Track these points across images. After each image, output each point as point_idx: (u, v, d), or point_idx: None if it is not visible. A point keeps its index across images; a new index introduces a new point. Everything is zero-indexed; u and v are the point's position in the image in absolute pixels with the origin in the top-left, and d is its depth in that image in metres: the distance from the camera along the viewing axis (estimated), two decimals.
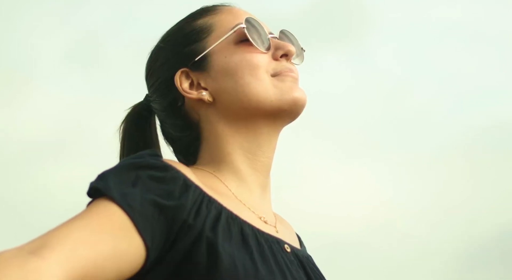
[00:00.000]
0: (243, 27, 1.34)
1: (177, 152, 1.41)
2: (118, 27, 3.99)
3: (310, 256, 1.41)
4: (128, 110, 1.44)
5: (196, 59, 1.34)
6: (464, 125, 4.22)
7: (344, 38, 4.21)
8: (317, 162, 4.00)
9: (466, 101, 4.28)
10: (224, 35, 1.34)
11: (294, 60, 1.39)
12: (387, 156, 4.17)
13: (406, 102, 4.26)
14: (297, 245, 1.39)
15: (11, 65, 4.10)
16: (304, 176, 3.92)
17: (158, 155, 1.23)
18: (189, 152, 1.37)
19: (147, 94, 1.43)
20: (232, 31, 1.34)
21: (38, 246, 1.04)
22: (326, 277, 1.37)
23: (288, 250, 1.28)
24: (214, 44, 1.34)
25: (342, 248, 3.86)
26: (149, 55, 1.43)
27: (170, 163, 1.21)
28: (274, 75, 1.34)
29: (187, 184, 1.19)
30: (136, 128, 1.42)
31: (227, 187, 1.30)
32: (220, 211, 1.20)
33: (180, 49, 1.37)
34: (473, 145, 4.15)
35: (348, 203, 4.08)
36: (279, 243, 1.27)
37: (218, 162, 1.33)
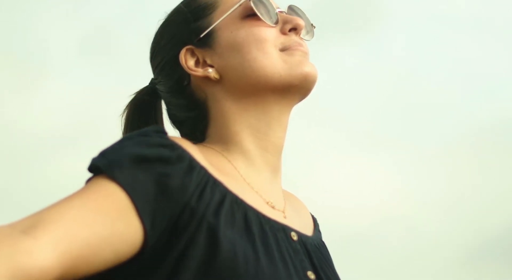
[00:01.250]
0: (249, 1, 1.29)
1: (184, 134, 1.35)
2: (131, 18, 4.00)
3: (323, 243, 1.35)
4: (133, 95, 1.39)
5: (201, 36, 1.30)
6: (473, 117, 4.20)
7: (354, 30, 4.20)
8: (324, 153, 4.00)
9: (475, 93, 4.27)
10: (229, 10, 1.30)
11: (304, 36, 1.34)
12: (395, 148, 4.16)
13: (415, 94, 4.25)
14: (308, 230, 1.33)
15: (24, 57, 4.11)
16: (311, 166, 3.92)
17: (164, 132, 1.18)
18: (197, 132, 1.32)
19: (152, 78, 1.39)
20: (238, 5, 1.30)
21: (31, 224, 0.99)
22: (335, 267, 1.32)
23: (295, 238, 1.22)
24: (219, 20, 1.29)
25: (349, 240, 3.86)
26: (154, 36, 1.38)
27: (176, 140, 1.16)
28: (282, 49, 1.28)
29: (192, 165, 1.13)
30: (141, 112, 1.37)
31: (235, 168, 1.25)
32: (225, 194, 1.15)
33: (185, 27, 1.32)
34: (482, 137, 4.14)
35: (355, 195, 4.07)
36: (285, 230, 1.21)
37: (226, 141, 1.28)
